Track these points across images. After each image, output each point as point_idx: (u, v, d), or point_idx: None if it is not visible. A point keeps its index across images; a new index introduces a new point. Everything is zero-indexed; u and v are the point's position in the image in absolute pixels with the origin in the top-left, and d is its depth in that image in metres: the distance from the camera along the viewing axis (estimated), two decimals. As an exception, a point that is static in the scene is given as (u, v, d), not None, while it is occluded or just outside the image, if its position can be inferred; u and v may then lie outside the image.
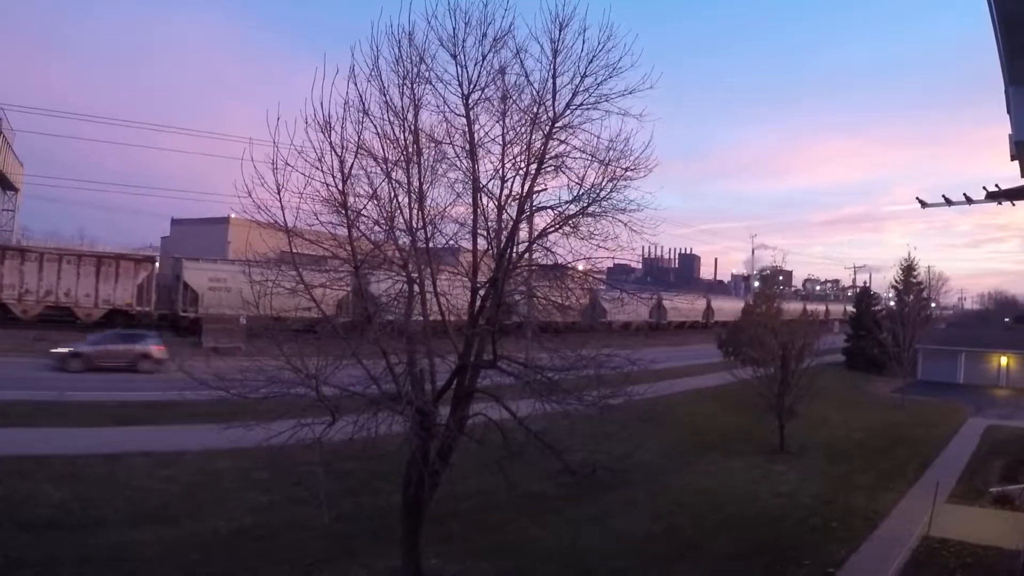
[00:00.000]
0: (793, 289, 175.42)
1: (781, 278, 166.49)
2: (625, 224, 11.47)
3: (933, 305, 79.09)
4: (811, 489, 21.30)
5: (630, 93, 10.83)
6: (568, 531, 15.82)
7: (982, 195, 15.84)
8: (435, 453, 10.74)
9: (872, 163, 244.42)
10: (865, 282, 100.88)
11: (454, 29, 10.58)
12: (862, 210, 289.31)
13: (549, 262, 12.00)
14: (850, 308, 68.69)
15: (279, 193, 10.00)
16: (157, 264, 43.66)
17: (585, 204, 11.42)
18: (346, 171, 10.36)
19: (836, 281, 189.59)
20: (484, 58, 10.70)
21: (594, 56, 10.67)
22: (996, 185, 15.62)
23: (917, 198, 18.25)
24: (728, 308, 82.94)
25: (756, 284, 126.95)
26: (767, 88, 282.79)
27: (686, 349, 57.78)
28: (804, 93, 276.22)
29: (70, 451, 17.96)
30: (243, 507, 15.67)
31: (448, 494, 12.19)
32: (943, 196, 17.23)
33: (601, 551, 14.79)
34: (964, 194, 16.50)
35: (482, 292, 11.35)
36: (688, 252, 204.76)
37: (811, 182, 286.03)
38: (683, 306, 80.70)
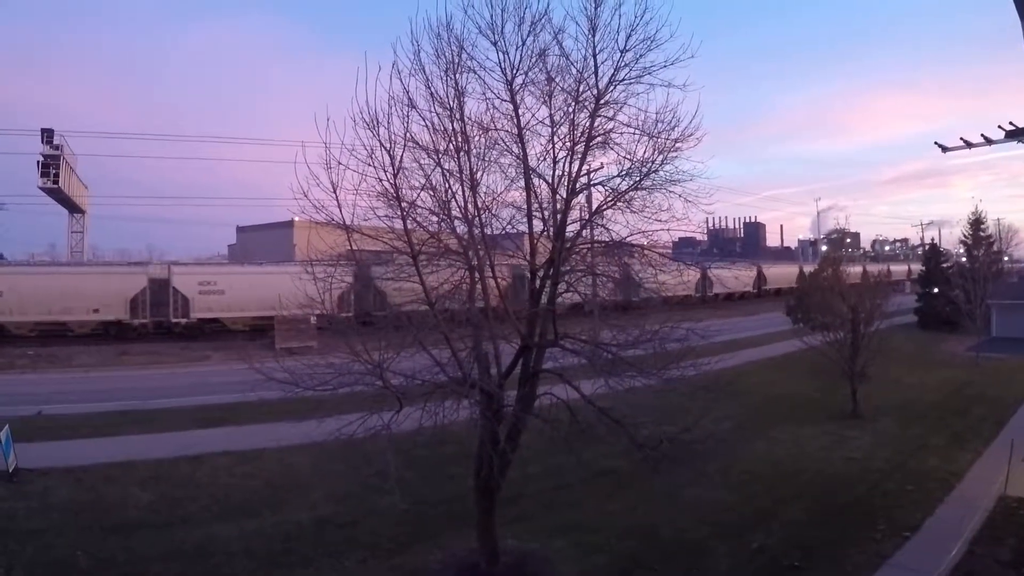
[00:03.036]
0: (862, 250, 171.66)
1: (848, 240, 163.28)
2: (679, 195, 11.43)
3: (1005, 259, 75.76)
4: (885, 453, 20.90)
5: (671, 64, 10.83)
6: (641, 506, 15.85)
7: (1001, 135, 15.43)
8: (504, 435, 10.92)
9: (931, 115, 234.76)
10: (933, 239, 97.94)
11: (491, 16, 10.73)
12: (926, 165, 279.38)
13: (606, 239, 12.07)
14: (920, 267, 66.61)
15: (335, 192, 10.29)
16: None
17: (637, 178, 11.41)
18: (396, 165, 10.54)
19: (905, 240, 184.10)
20: (524, 42, 10.80)
21: (632, 30, 10.69)
22: (1011, 123, 15.20)
23: (936, 142, 17.79)
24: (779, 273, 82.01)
25: (824, 248, 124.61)
26: (820, 45, 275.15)
27: (752, 319, 57.35)
28: (857, 48, 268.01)
29: (154, 455, 18.78)
30: (322, 498, 16.15)
31: (520, 474, 12.37)
32: (961, 138, 16.82)
33: (675, 524, 14.81)
34: (982, 134, 16.09)
35: (540, 273, 11.49)
36: (752, 220, 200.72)
37: (871, 140, 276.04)
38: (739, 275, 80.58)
